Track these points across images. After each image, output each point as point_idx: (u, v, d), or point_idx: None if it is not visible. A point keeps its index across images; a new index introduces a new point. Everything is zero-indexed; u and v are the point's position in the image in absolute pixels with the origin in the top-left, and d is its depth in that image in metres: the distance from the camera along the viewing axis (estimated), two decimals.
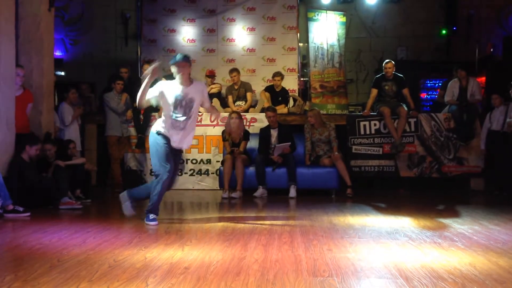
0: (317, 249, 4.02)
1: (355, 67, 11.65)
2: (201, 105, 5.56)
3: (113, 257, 3.70)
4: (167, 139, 5.29)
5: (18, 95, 6.76)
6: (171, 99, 5.26)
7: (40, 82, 7.39)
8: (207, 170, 8.84)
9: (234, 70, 9.30)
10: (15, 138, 6.54)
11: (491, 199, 7.80)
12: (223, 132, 8.29)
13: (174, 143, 5.31)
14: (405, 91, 8.57)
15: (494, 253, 3.92)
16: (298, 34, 10.59)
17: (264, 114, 8.40)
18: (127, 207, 5.49)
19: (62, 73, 10.60)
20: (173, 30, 10.69)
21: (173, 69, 5.35)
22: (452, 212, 6.34)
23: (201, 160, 8.86)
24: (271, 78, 9.40)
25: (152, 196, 5.29)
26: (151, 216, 5.25)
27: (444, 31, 11.23)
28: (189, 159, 8.85)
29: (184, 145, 5.46)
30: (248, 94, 9.25)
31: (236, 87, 9.27)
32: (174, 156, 5.39)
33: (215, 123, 8.83)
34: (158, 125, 5.38)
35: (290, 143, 7.89)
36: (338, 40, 10.41)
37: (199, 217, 5.86)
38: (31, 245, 4.15)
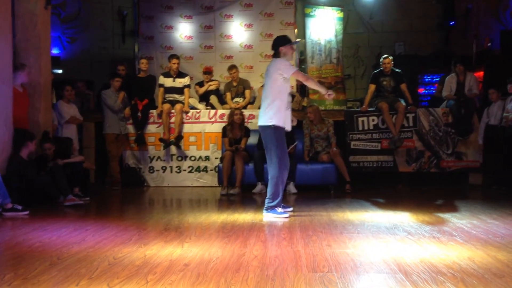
0: (316, 245, 4.03)
1: (353, 63, 11.63)
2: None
3: (112, 255, 3.70)
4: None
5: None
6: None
7: (38, 80, 7.36)
8: (206, 167, 8.84)
9: (233, 67, 9.28)
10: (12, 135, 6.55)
11: (490, 194, 7.81)
12: (223, 128, 8.29)
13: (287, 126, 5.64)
14: (403, 86, 8.58)
15: (493, 247, 3.93)
16: (296, 30, 10.55)
17: None
18: (281, 213, 5.50)
19: (60, 71, 10.56)
20: (170, 27, 10.66)
21: (288, 50, 5.58)
22: (450, 206, 6.35)
23: (200, 157, 8.86)
24: None
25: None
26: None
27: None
28: (187, 156, 8.86)
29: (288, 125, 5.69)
30: (247, 91, 9.24)
31: (235, 84, 9.26)
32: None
33: (213, 120, 8.83)
34: (273, 117, 5.53)
35: (296, 143, 7.84)
36: (336, 35, 10.40)
37: (198, 214, 5.86)
38: (31, 243, 4.15)
